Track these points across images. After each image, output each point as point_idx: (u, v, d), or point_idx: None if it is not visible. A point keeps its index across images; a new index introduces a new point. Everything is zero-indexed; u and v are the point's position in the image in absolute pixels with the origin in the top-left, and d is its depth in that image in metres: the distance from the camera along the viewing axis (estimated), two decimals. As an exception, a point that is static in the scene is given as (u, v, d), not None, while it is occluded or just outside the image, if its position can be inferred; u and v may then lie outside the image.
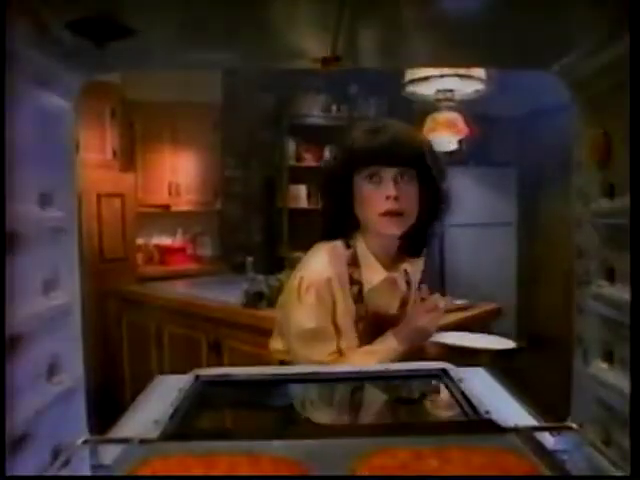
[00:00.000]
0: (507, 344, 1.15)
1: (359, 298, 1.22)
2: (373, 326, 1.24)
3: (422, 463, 0.59)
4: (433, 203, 1.23)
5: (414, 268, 1.33)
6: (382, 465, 0.59)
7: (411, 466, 0.59)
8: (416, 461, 0.60)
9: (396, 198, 1.15)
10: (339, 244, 1.24)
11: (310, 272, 1.21)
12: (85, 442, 0.66)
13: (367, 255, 1.23)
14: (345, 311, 1.21)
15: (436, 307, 1.22)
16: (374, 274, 1.23)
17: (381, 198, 1.16)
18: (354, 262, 1.23)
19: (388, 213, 1.16)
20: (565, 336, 0.77)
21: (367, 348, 1.21)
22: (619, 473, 0.52)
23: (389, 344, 1.20)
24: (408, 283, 1.32)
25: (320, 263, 1.22)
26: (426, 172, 1.20)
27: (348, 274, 1.22)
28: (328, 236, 1.26)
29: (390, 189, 1.15)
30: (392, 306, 1.28)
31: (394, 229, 1.20)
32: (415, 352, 1.23)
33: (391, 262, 1.26)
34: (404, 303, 1.31)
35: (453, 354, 1.21)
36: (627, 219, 0.56)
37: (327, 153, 4.67)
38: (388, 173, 1.16)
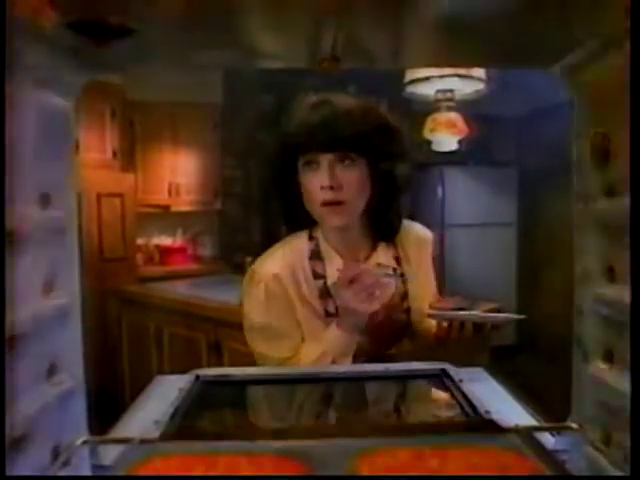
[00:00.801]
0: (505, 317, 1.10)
1: (325, 293, 1.12)
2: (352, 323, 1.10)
3: (422, 463, 0.59)
4: (387, 187, 1.11)
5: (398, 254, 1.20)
6: (382, 465, 0.60)
7: (411, 466, 0.59)
8: (416, 461, 0.60)
9: (332, 187, 1.04)
10: (302, 236, 1.17)
11: (260, 266, 1.14)
12: (85, 442, 0.66)
13: (327, 247, 1.15)
14: (304, 307, 1.12)
15: (356, 278, 1.02)
16: (334, 267, 1.12)
17: (317, 188, 1.05)
18: (317, 255, 1.14)
19: (326, 204, 1.06)
20: (565, 336, 0.77)
21: (313, 340, 1.11)
22: (619, 473, 0.52)
23: (331, 333, 1.08)
24: (402, 275, 1.19)
25: (272, 257, 1.15)
26: (374, 154, 1.06)
27: (311, 268, 1.13)
28: (289, 229, 1.17)
29: (324, 178, 1.04)
30: (375, 302, 1.07)
31: (335, 220, 1.08)
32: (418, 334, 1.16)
33: (356, 252, 1.16)
34: (398, 298, 1.17)
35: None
36: (627, 219, 0.56)
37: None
38: (324, 159, 1.04)
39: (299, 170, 1.09)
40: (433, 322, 1.12)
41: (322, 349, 1.08)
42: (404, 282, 1.20)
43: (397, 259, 1.21)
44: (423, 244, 1.26)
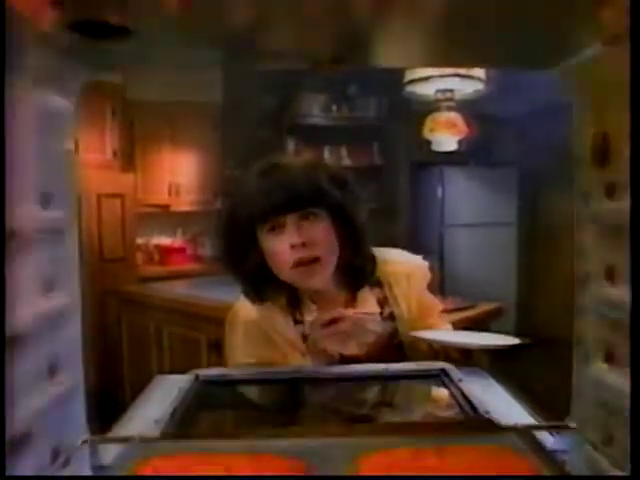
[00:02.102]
0: (506, 341, 1.06)
1: (307, 338, 1.11)
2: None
3: (421, 462, 0.60)
4: (350, 236, 1.09)
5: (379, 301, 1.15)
6: (382, 464, 0.60)
7: (410, 465, 0.59)
8: (415, 460, 0.60)
9: (304, 244, 1.01)
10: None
11: (241, 312, 1.14)
12: (85, 442, 0.66)
13: (304, 298, 1.13)
14: (287, 346, 1.11)
15: (334, 321, 1.01)
16: (309, 315, 1.11)
17: (287, 249, 1.02)
18: (294, 302, 1.13)
19: (299, 264, 1.02)
20: (565, 336, 0.77)
21: None
22: (619, 473, 0.52)
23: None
24: (391, 316, 1.14)
25: (252, 305, 1.13)
26: (333, 207, 1.06)
27: (291, 315, 1.13)
28: (260, 299, 1.11)
29: (294, 237, 1.01)
30: (352, 346, 1.05)
31: (310, 282, 1.07)
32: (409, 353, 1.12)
33: (334, 301, 1.13)
34: (387, 337, 1.12)
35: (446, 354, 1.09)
36: (627, 219, 0.56)
37: (327, 153, 4.61)
38: (289, 220, 1.02)
39: (260, 239, 1.06)
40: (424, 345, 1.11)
41: None
42: (393, 321, 1.15)
43: (382, 301, 1.16)
44: (412, 277, 1.19)
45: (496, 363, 1.21)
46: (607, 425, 0.64)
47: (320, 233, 1.04)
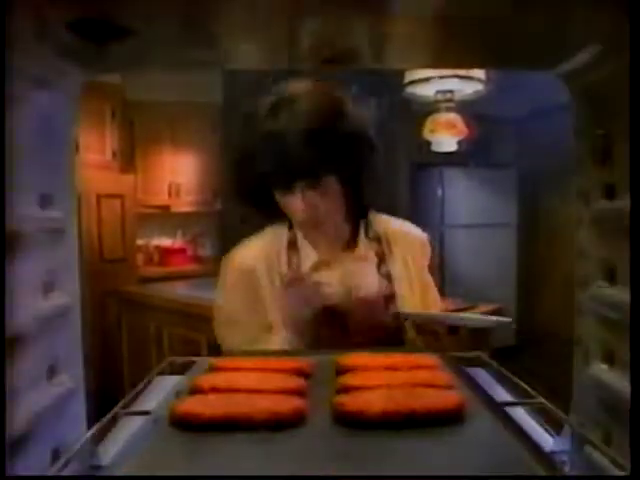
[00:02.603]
0: (489, 322, 1.03)
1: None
2: (328, 317, 1.07)
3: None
4: (357, 192, 1.09)
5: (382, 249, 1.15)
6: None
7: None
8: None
9: (309, 210, 1.03)
10: (283, 226, 1.15)
11: (235, 254, 1.17)
12: (85, 442, 0.66)
13: (303, 241, 1.13)
14: (275, 297, 1.10)
15: (293, 283, 1.05)
16: (307, 258, 1.12)
17: (294, 208, 1.04)
18: (294, 245, 1.13)
19: (304, 223, 1.08)
20: (565, 336, 0.77)
21: (270, 337, 1.10)
22: (619, 473, 0.52)
23: (282, 332, 1.07)
24: (388, 275, 1.13)
25: (248, 247, 1.17)
26: (345, 173, 1.04)
27: (287, 258, 1.13)
28: (267, 217, 1.15)
29: (299, 205, 1.03)
30: (306, 311, 1.06)
31: (317, 234, 1.11)
32: (391, 332, 1.08)
33: (334, 246, 1.14)
34: (382, 299, 1.11)
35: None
36: (627, 219, 0.56)
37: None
38: (297, 185, 1.01)
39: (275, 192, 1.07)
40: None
41: (277, 347, 1.06)
42: (390, 282, 1.12)
43: (380, 256, 1.15)
44: (413, 243, 1.19)
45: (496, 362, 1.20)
46: (607, 425, 0.64)
47: (327, 197, 1.04)
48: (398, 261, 1.15)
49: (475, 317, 1.01)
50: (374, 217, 1.18)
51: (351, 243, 1.15)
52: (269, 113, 1.02)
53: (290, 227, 1.15)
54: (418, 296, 1.16)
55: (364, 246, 1.14)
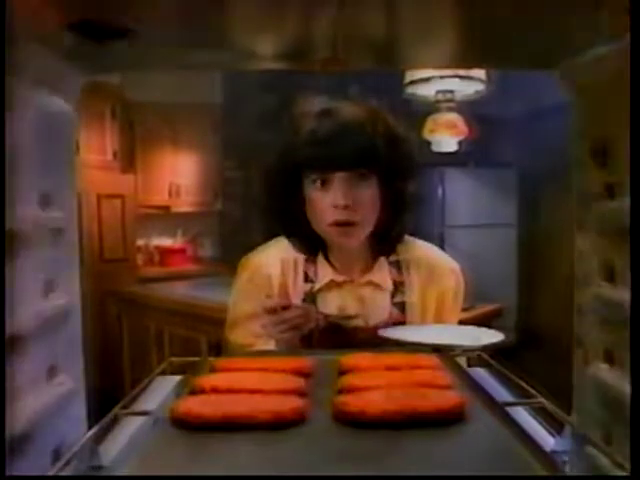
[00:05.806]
0: (478, 341, 0.94)
1: (309, 298, 1.10)
2: (332, 333, 1.07)
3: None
4: (396, 205, 1.05)
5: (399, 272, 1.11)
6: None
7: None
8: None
9: (346, 207, 0.98)
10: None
11: (254, 257, 1.16)
12: (85, 442, 0.66)
13: (322, 258, 1.11)
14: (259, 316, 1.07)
15: (278, 309, 1.00)
16: (323, 274, 1.10)
17: (329, 206, 0.99)
18: (313, 260, 1.11)
19: (337, 224, 1.00)
20: (565, 337, 0.77)
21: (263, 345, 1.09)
22: (619, 473, 0.52)
23: (270, 344, 1.06)
24: (401, 305, 1.10)
25: (264, 251, 1.16)
26: (386, 170, 1.01)
27: (304, 270, 1.11)
28: (293, 245, 1.10)
29: (339, 197, 0.97)
30: (295, 336, 1.03)
31: (345, 242, 1.04)
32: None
33: (351, 268, 1.11)
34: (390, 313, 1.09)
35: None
36: (627, 219, 0.56)
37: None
38: (337, 178, 0.98)
39: (305, 186, 1.02)
40: None
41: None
42: (402, 312, 1.10)
43: (398, 284, 1.11)
44: (436, 272, 1.13)
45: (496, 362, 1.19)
46: (607, 425, 0.64)
47: (366, 197, 1.00)
48: (416, 291, 1.11)
49: (463, 341, 0.95)
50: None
51: (369, 265, 1.11)
52: (320, 112, 1.03)
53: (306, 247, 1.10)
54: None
55: (381, 273, 1.11)
